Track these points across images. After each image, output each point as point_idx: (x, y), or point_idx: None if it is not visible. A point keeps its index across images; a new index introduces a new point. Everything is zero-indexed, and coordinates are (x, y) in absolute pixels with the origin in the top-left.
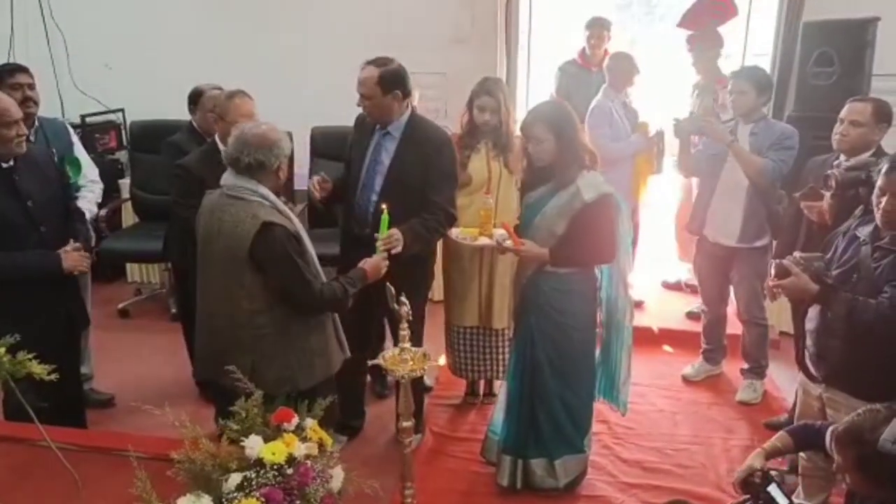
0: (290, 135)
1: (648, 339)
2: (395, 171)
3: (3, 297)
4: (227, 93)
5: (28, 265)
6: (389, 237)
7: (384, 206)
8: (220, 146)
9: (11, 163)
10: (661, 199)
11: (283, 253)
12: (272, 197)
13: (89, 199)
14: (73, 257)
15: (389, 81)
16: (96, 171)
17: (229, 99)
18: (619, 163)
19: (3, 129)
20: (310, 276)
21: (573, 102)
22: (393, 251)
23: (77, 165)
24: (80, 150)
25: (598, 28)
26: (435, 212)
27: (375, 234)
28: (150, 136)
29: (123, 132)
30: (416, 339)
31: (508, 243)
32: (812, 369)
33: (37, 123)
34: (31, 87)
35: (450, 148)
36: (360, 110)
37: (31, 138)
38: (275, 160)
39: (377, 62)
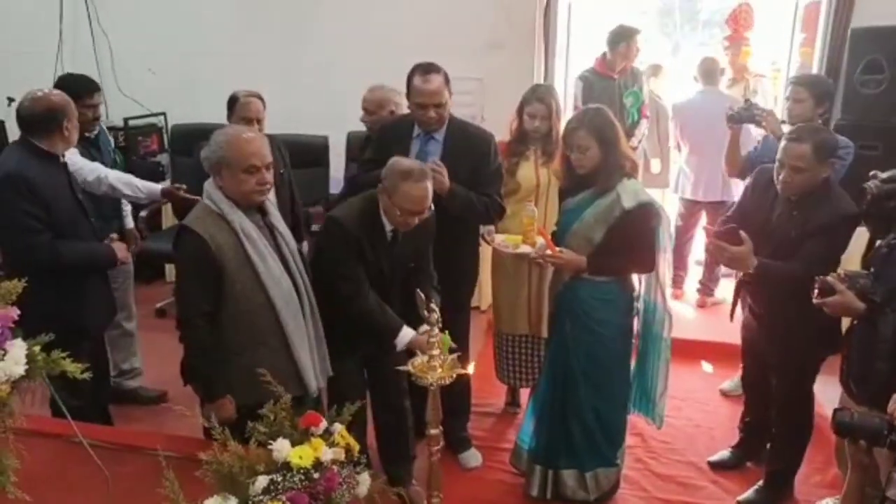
0: (325, 139)
1: (686, 351)
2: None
3: (52, 291)
4: (402, 170)
5: (94, 255)
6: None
7: None
8: (383, 218)
9: (64, 158)
10: None
11: (178, 261)
12: (223, 203)
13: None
14: (122, 248)
15: (448, 81)
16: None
17: (403, 180)
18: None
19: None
20: (189, 296)
21: None
22: (437, 184)
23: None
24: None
25: (631, 39)
26: (488, 197)
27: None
28: (191, 140)
29: (165, 135)
30: (464, 352)
31: (547, 251)
32: (854, 389)
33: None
34: (99, 105)
35: (494, 146)
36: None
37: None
38: (207, 162)
39: (434, 67)
